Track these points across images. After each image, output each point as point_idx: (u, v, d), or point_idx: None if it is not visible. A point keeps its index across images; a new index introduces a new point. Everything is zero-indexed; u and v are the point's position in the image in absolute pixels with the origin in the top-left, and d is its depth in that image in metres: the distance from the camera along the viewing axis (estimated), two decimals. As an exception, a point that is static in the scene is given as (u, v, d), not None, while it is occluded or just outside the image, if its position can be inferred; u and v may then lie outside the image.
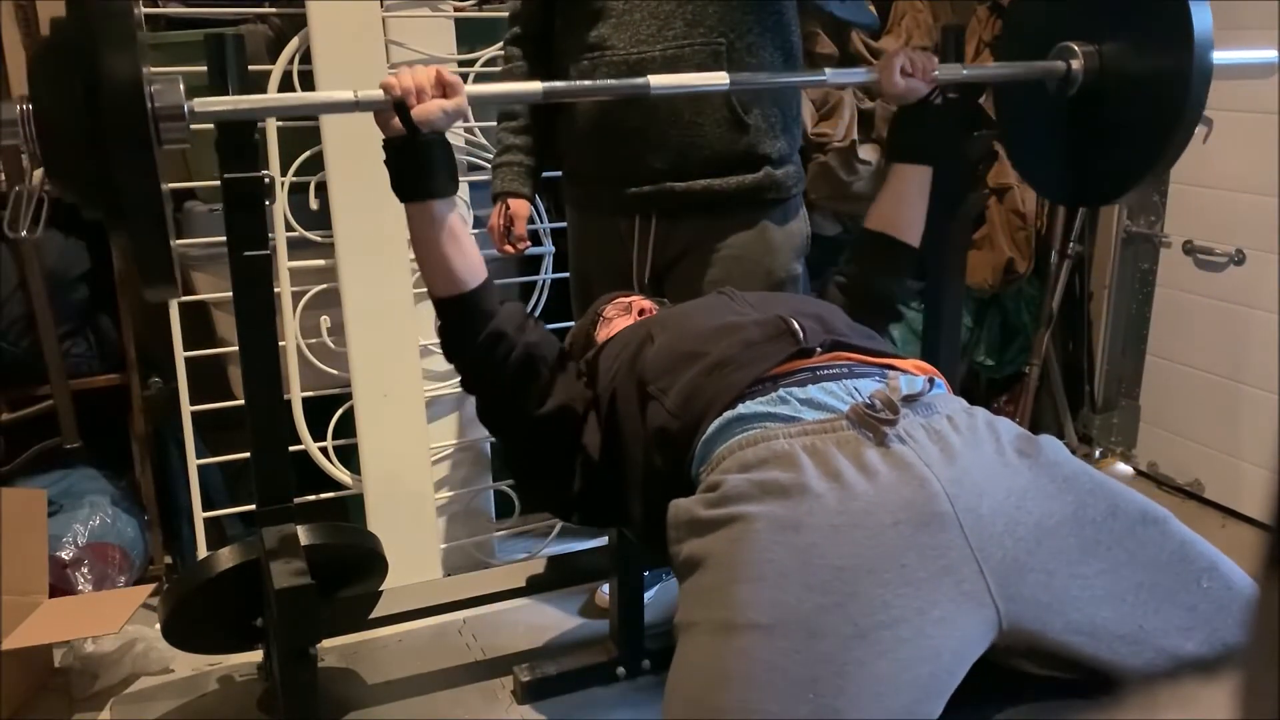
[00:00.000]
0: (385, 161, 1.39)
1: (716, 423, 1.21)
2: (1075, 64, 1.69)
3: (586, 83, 1.52)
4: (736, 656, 0.97)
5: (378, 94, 1.36)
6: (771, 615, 0.98)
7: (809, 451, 1.09)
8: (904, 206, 1.70)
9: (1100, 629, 1.01)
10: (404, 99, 1.34)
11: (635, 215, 1.88)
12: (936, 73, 1.66)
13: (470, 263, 1.42)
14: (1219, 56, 1.55)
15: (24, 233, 1.34)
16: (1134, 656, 1.01)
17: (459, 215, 1.42)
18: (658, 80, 1.52)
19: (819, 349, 1.29)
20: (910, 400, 1.16)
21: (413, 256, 2.21)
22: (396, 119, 1.35)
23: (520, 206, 1.92)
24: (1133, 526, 1.07)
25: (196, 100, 1.30)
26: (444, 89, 1.36)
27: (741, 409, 1.20)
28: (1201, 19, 1.53)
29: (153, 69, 1.27)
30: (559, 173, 2.03)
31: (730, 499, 1.08)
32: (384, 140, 1.38)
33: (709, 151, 1.80)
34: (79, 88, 1.14)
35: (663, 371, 1.31)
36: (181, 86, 1.27)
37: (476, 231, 2.32)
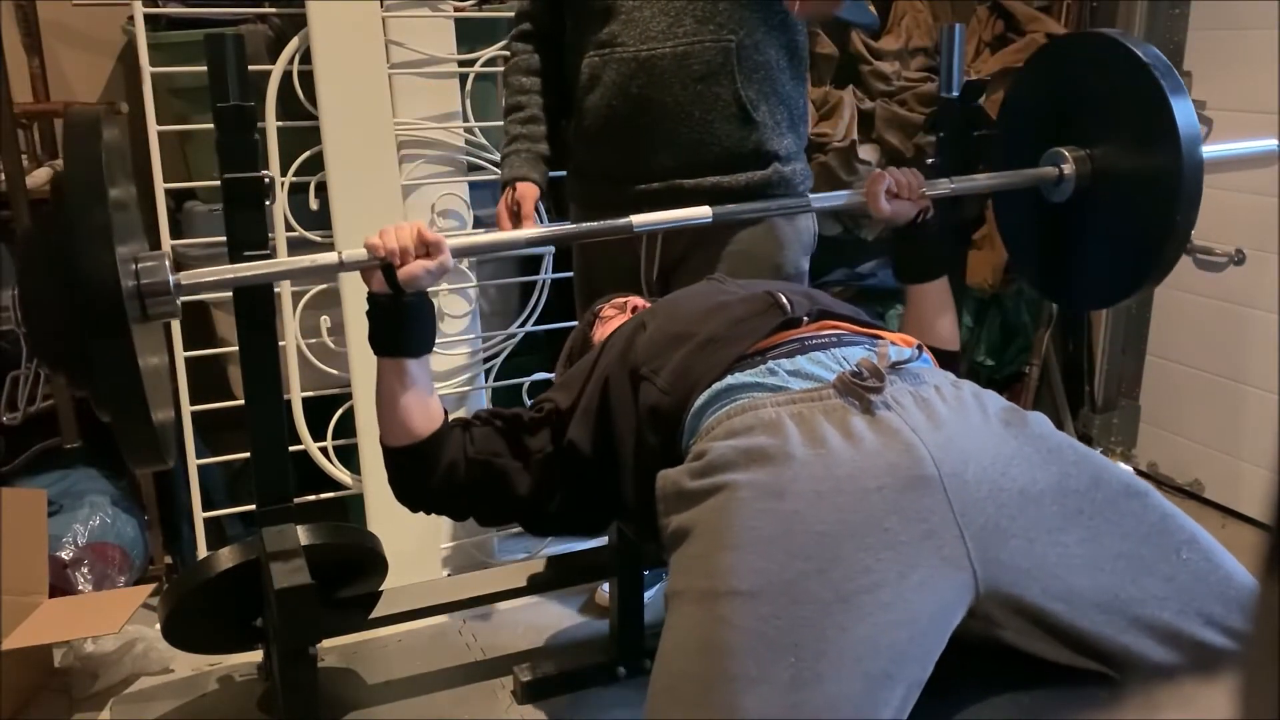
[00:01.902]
0: (367, 313, 1.40)
1: (705, 395, 1.23)
2: (1067, 169, 1.69)
3: (570, 226, 1.55)
4: (719, 623, 0.98)
5: (361, 254, 1.37)
6: (754, 582, 0.99)
7: (795, 419, 1.10)
8: (932, 317, 1.68)
9: (1077, 596, 1.02)
10: (389, 260, 1.35)
11: (643, 213, 1.87)
12: (924, 189, 1.63)
13: (430, 414, 1.40)
14: (1208, 151, 1.55)
15: (20, 414, 1.40)
16: (1109, 625, 1.01)
17: (427, 370, 1.43)
18: (640, 219, 1.53)
19: (806, 319, 1.31)
20: (897, 368, 1.17)
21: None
22: (381, 277, 1.37)
23: (528, 189, 1.89)
24: (1115, 498, 1.08)
25: (183, 274, 1.33)
26: (427, 248, 1.37)
27: (730, 380, 1.22)
28: (1186, 117, 1.53)
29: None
30: (561, 172, 2.03)
31: (716, 467, 1.09)
32: (368, 294, 1.40)
33: (718, 149, 1.81)
34: (59, 281, 1.18)
35: (654, 354, 1.33)
36: (168, 262, 1.30)
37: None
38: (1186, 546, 1.06)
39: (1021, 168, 1.77)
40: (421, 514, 1.48)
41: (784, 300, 1.33)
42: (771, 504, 1.03)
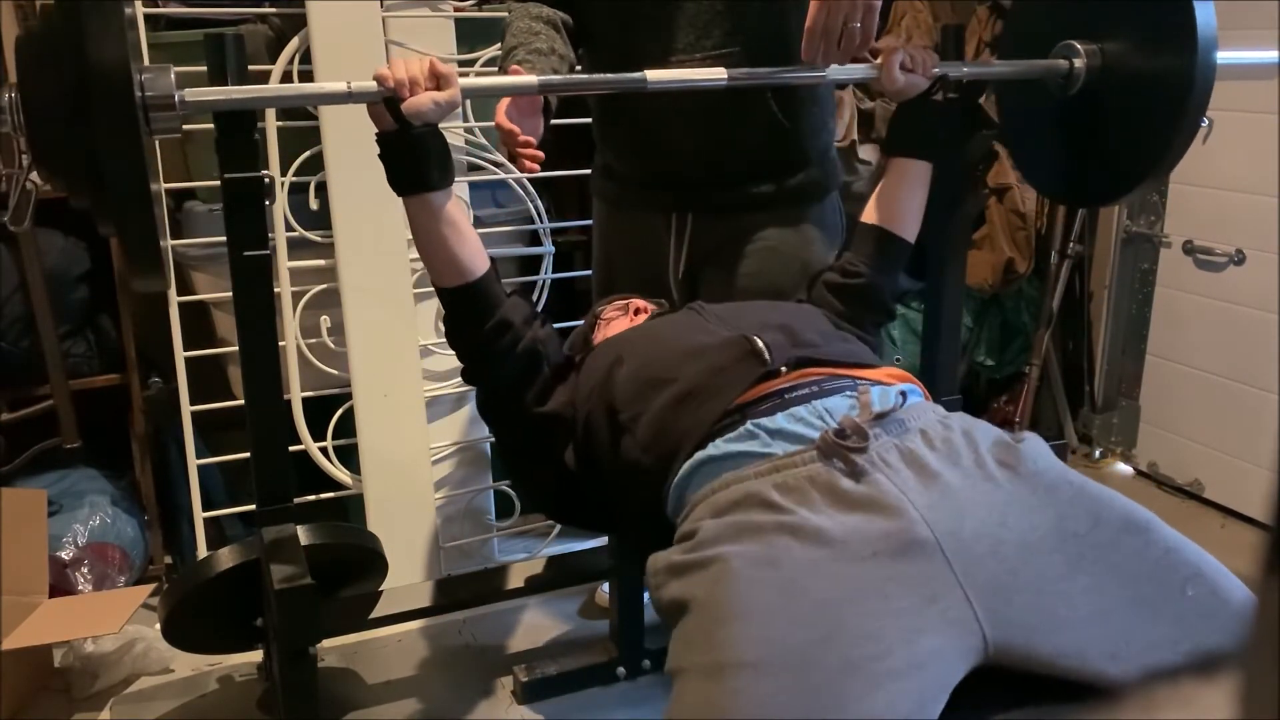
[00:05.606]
0: (379, 155, 1.38)
1: (687, 465, 1.21)
2: (1078, 62, 1.69)
3: (581, 76, 1.49)
4: (730, 696, 0.95)
5: (371, 85, 1.35)
6: (760, 652, 0.96)
7: (780, 489, 1.09)
8: (901, 200, 1.67)
9: (1088, 649, 1.00)
10: (396, 91, 1.33)
11: (672, 214, 1.84)
12: (936, 69, 1.64)
13: (472, 252, 1.43)
14: (1222, 57, 1.55)
15: (25, 224, 1.33)
16: (1122, 674, 0.99)
17: (458, 204, 1.43)
18: (655, 75, 1.50)
19: (784, 369, 1.28)
20: (881, 418, 1.15)
21: (414, 255, 2.23)
22: (388, 115, 1.35)
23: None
24: (1116, 536, 1.06)
25: (187, 90, 1.29)
26: (437, 80, 1.35)
27: (711, 449, 1.20)
28: (1205, 18, 1.53)
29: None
30: (564, 172, 2.00)
31: (706, 542, 1.08)
32: (377, 134, 1.38)
33: (753, 156, 1.77)
34: (66, 75, 1.12)
35: (631, 398, 1.31)
36: (173, 75, 1.26)
37: (481, 232, 2.32)
38: (1191, 582, 1.03)
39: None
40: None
41: (761, 346, 1.30)
42: (767, 573, 1.01)
